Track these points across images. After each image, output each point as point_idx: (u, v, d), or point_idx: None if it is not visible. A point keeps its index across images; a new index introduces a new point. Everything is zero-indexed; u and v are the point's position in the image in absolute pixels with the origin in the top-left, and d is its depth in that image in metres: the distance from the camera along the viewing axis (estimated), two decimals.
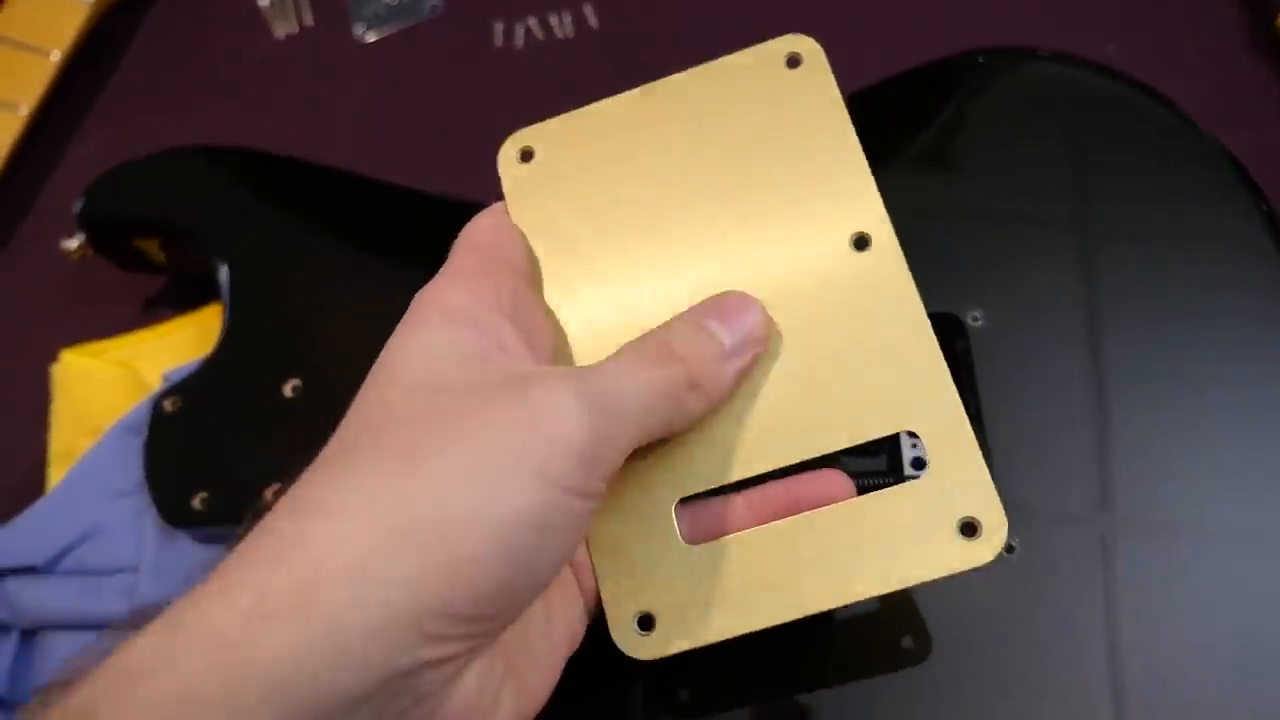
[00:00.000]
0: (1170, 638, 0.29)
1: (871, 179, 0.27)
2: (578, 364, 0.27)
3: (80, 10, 0.50)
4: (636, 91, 0.29)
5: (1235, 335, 0.32)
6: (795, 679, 0.29)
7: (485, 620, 0.20)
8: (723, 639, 0.25)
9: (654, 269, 0.27)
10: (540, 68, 0.49)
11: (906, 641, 0.29)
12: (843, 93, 0.38)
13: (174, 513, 0.36)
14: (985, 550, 0.24)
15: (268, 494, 0.35)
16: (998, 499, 0.24)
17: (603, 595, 0.26)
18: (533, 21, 0.50)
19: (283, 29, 0.52)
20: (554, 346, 0.27)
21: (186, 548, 0.37)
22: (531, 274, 0.28)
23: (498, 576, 0.20)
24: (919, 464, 0.25)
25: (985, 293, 0.33)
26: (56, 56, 0.50)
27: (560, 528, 0.21)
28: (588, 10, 0.49)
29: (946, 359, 0.33)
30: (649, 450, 0.26)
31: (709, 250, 0.27)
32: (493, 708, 0.22)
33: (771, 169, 0.28)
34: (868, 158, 0.35)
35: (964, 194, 0.35)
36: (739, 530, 0.26)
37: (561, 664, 0.25)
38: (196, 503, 0.36)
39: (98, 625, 0.37)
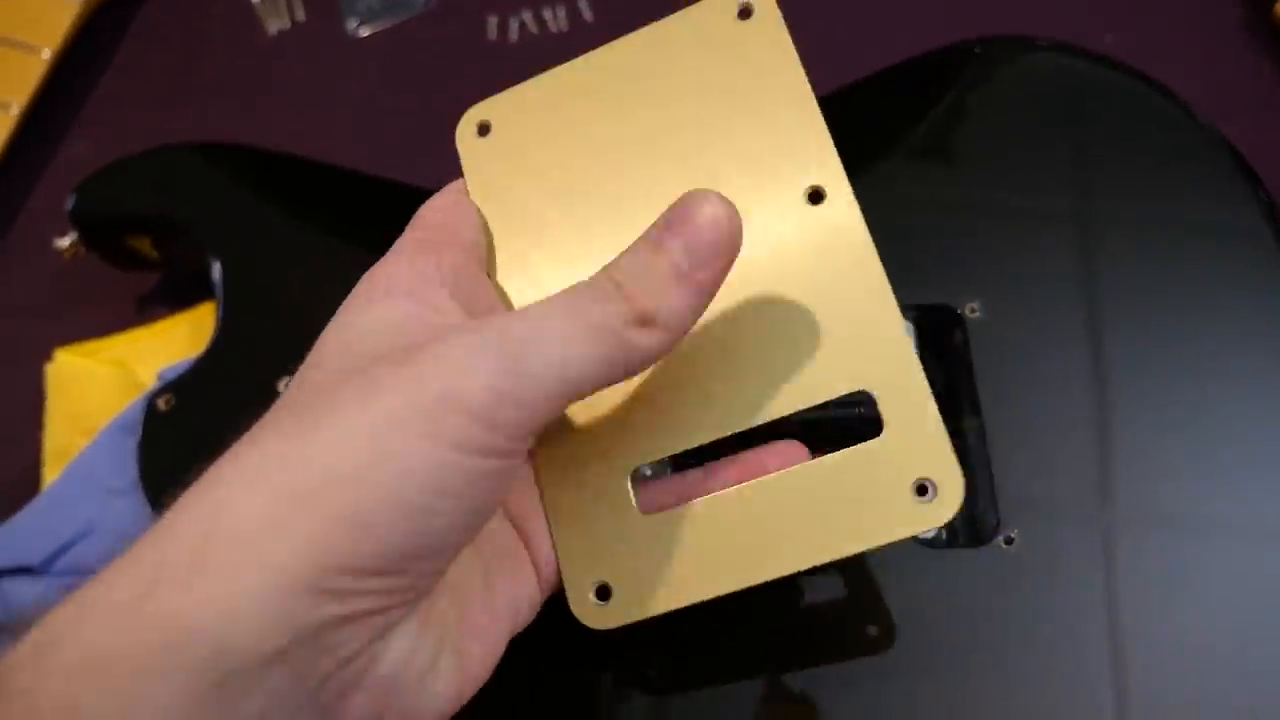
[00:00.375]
0: (1171, 633, 0.28)
1: (826, 132, 0.26)
2: None
3: (71, 7, 0.50)
4: (589, 56, 0.29)
5: (1235, 327, 0.32)
6: (770, 670, 0.29)
7: (391, 576, 0.20)
8: (679, 607, 0.25)
9: (608, 236, 0.27)
10: (534, 61, 0.48)
11: (900, 633, 0.29)
12: (840, 85, 0.39)
13: None
14: (941, 511, 0.24)
15: None
16: (954, 459, 0.24)
17: (561, 566, 0.26)
18: (527, 15, 0.49)
19: (275, 25, 0.52)
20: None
21: None
22: (484, 250, 0.28)
23: (396, 535, 0.20)
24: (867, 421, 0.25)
25: (983, 284, 0.33)
26: (47, 54, 0.49)
27: (461, 489, 0.20)
28: (582, 4, 0.49)
29: (944, 351, 0.33)
30: (604, 418, 0.26)
31: (653, 189, 0.27)
32: (428, 676, 0.22)
33: (725, 126, 0.27)
34: (865, 150, 0.35)
35: (961, 185, 0.35)
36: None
37: (505, 638, 0.25)
38: None
39: None
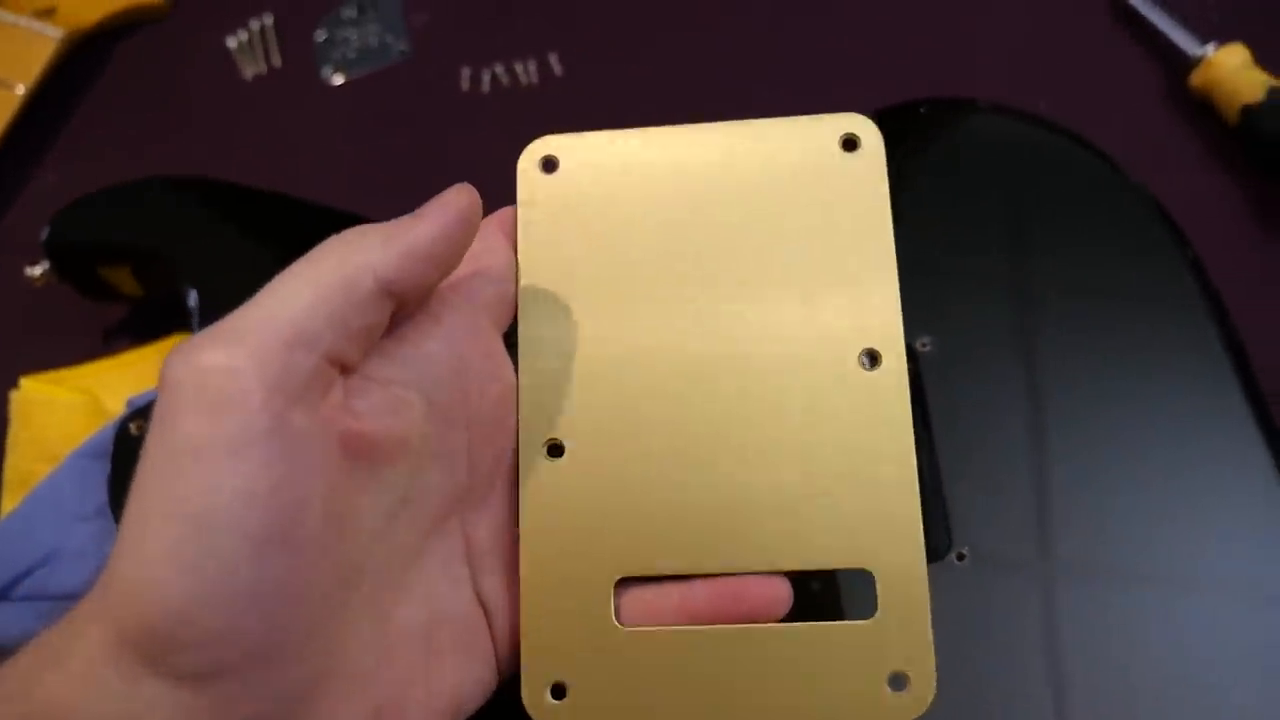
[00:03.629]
0: (1107, 665, 0.30)
1: (897, 294, 0.26)
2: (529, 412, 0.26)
3: (48, 44, 0.51)
4: (680, 129, 0.28)
5: (1163, 380, 0.34)
6: None
7: (226, 642, 0.20)
8: None
9: (644, 324, 0.26)
10: (506, 112, 0.51)
11: None
12: None
13: None
14: (910, 708, 0.24)
15: None
16: (933, 658, 0.24)
17: (523, 653, 0.25)
18: (499, 68, 0.52)
19: (251, 70, 0.53)
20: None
21: None
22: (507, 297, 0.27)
23: (207, 589, 0.20)
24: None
25: (934, 321, 0.35)
26: (22, 90, 0.50)
27: (242, 508, 0.20)
28: (553, 59, 0.52)
29: None
30: (601, 523, 0.25)
31: (707, 323, 0.26)
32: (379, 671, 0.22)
33: (797, 254, 0.26)
34: None
35: (909, 236, 0.37)
36: (672, 617, 0.25)
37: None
38: None
39: None
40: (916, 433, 0.33)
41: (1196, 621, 0.31)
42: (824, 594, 0.28)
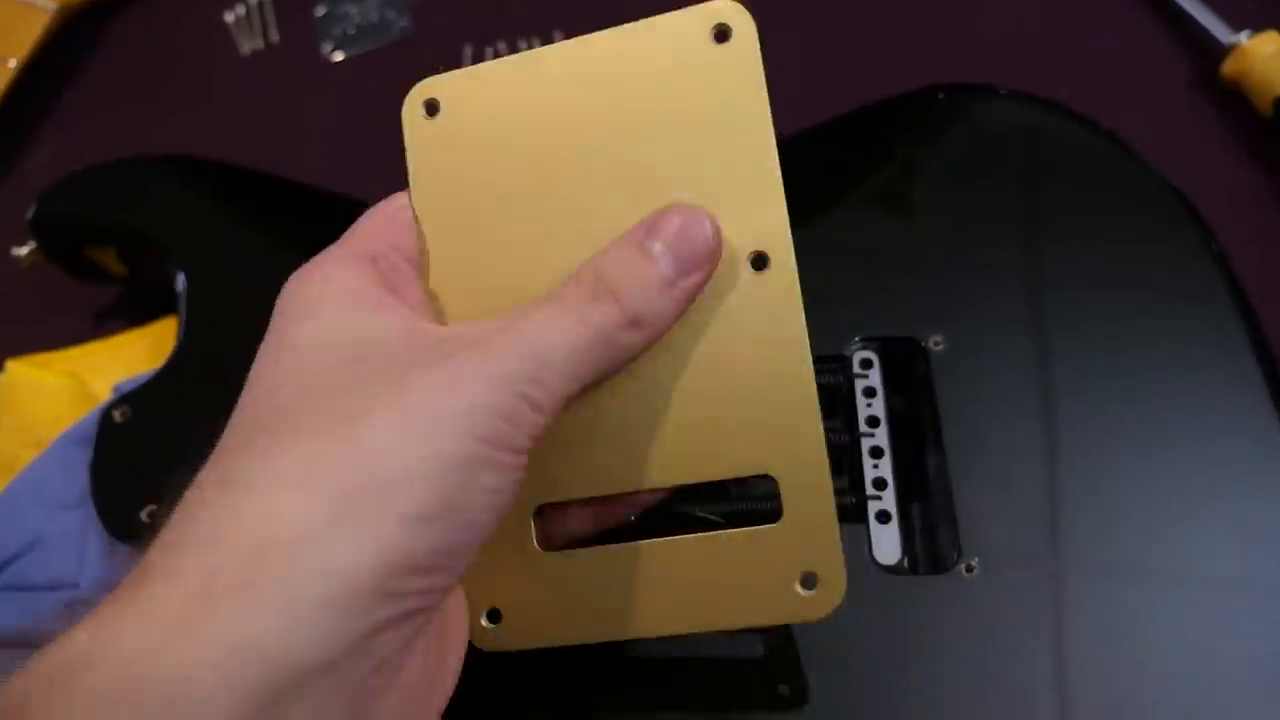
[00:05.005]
0: (1118, 671, 0.29)
1: (781, 190, 0.25)
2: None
3: (41, 17, 0.49)
4: (551, 48, 0.27)
5: (1185, 376, 0.33)
6: (725, 692, 0.29)
7: (439, 574, 0.21)
8: (561, 644, 0.26)
9: (543, 245, 0.26)
10: None
11: (860, 656, 0.29)
12: (806, 126, 0.39)
13: (120, 525, 0.35)
14: (821, 605, 0.24)
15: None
16: (841, 556, 0.24)
17: (464, 585, 0.26)
18: (502, 45, 0.50)
19: (249, 45, 0.52)
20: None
21: (130, 563, 0.36)
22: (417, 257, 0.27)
23: (448, 530, 0.20)
24: None
25: (946, 318, 0.34)
26: (14, 64, 0.49)
27: (495, 484, 0.21)
28: (557, 36, 0.50)
29: (908, 381, 0.34)
30: None
31: (598, 232, 0.25)
32: (435, 682, 0.23)
33: (681, 155, 0.26)
34: (833, 185, 0.35)
35: (924, 226, 0.36)
36: (586, 537, 0.26)
37: (460, 666, 0.25)
38: (144, 515, 0.35)
39: (36, 642, 0.35)
40: (926, 436, 0.33)
41: (1212, 625, 0.29)
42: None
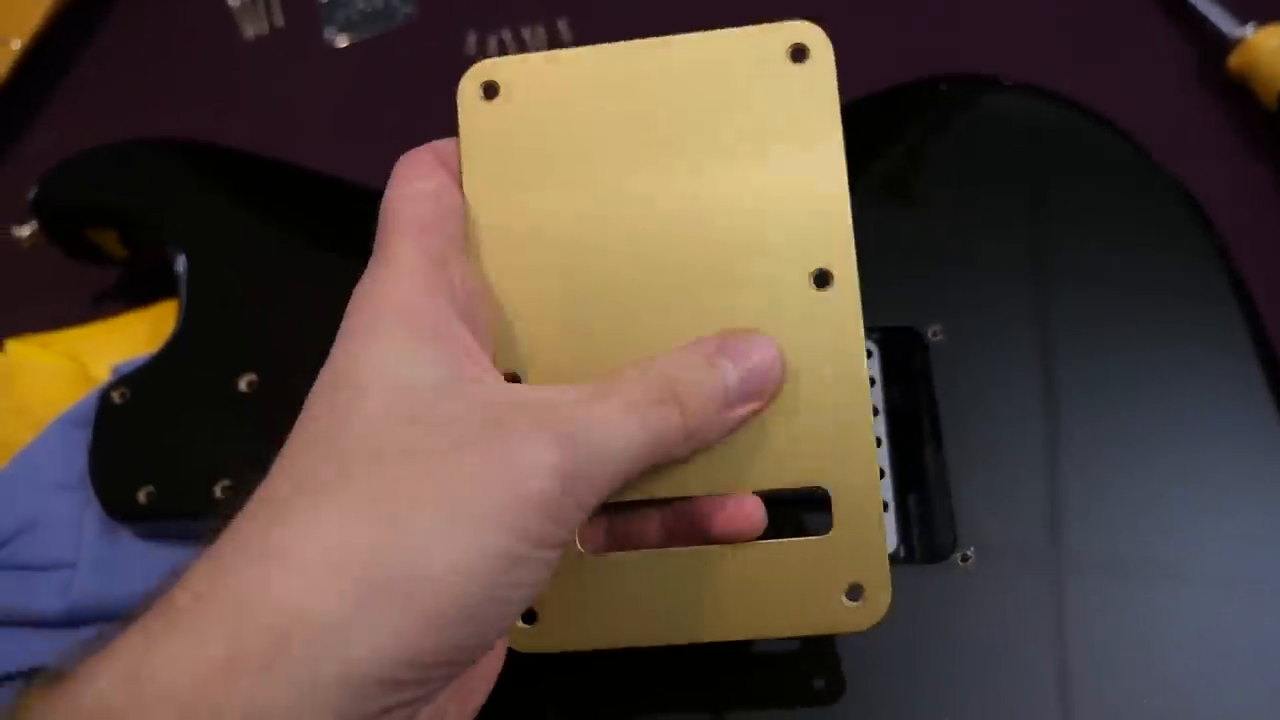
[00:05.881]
0: (1112, 667, 0.29)
1: (849, 210, 0.25)
2: (507, 355, 0.26)
3: (44, 0, 0.49)
4: (623, 45, 0.26)
5: (1188, 371, 0.33)
6: (724, 677, 0.29)
7: (450, 666, 0.20)
8: (598, 648, 0.26)
9: (596, 251, 0.26)
10: None
11: (856, 646, 0.29)
12: None
13: (117, 506, 0.35)
14: (866, 617, 0.25)
15: (215, 489, 0.34)
16: (888, 571, 0.25)
17: None
18: (506, 33, 0.50)
19: (253, 29, 0.52)
20: (485, 326, 0.26)
21: (127, 544, 0.36)
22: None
23: (468, 631, 0.20)
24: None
25: (946, 309, 0.34)
26: (17, 45, 0.49)
27: (527, 577, 0.21)
28: (561, 24, 0.50)
29: (905, 372, 0.34)
30: None
31: (660, 246, 0.26)
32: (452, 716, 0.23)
33: (748, 172, 0.26)
34: None
35: (923, 217, 0.36)
36: (654, 540, 0.26)
37: (497, 673, 0.25)
38: (141, 496, 0.35)
39: (32, 622, 0.35)
40: (924, 426, 0.32)
41: (1209, 619, 0.29)
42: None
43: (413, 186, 0.25)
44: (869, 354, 0.34)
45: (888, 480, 0.32)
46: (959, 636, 0.29)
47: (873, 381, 0.34)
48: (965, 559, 0.30)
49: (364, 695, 0.19)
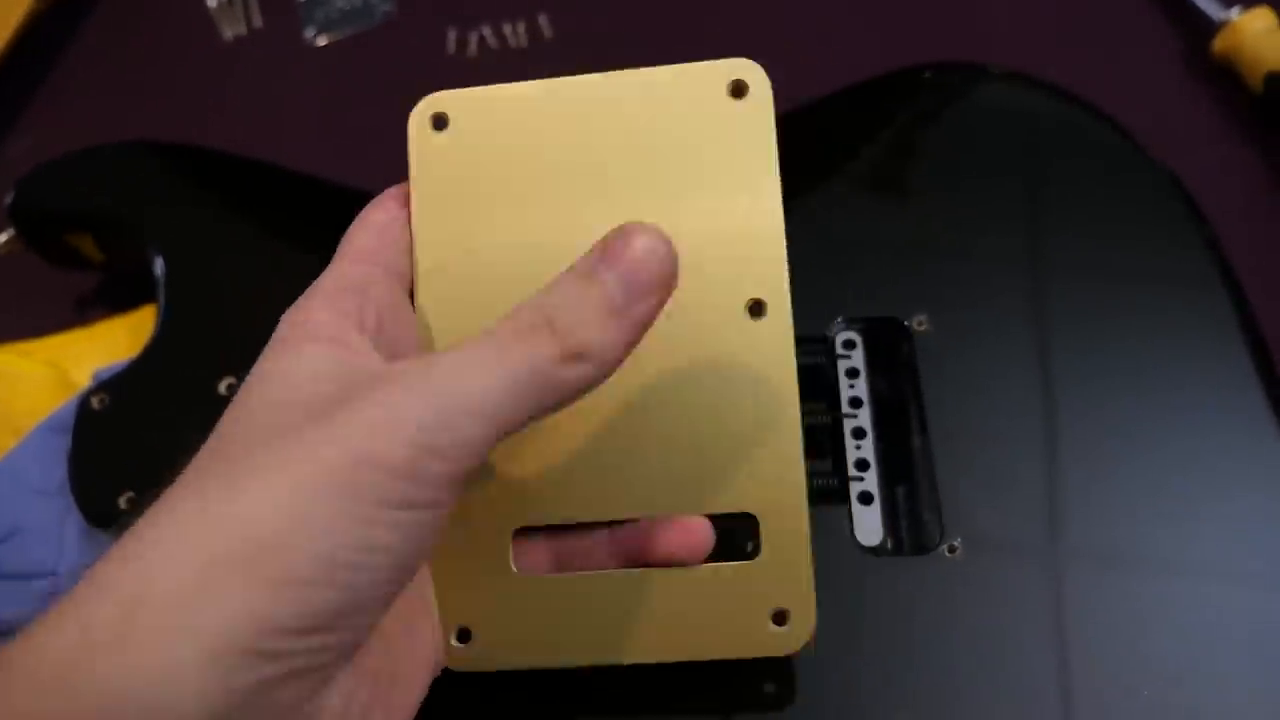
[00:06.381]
0: (1102, 657, 0.29)
1: (783, 243, 0.26)
2: None
3: (22, 3, 0.49)
4: (568, 80, 0.27)
5: (1174, 363, 0.32)
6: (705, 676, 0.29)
7: (323, 634, 0.20)
8: (531, 667, 0.26)
9: (538, 278, 0.25)
10: (493, 77, 0.48)
11: (842, 637, 0.29)
12: (793, 104, 0.39)
13: (98, 513, 0.34)
14: (790, 641, 0.25)
15: None
16: (813, 596, 0.25)
17: (436, 604, 0.26)
18: (486, 30, 0.50)
19: (231, 30, 0.51)
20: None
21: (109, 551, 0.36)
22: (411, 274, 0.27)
23: (324, 593, 0.19)
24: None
25: (931, 299, 0.33)
26: None
27: (389, 543, 0.20)
28: (543, 21, 0.49)
29: (890, 362, 0.33)
30: (498, 471, 0.26)
31: None
32: (378, 713, 0.23)
33: (685, 204, 0.26)
34: (817, 165, 0.34)
35: (911, 204, 0.36)
36: (599, 561, 0.26)
37: (426, 683, 0.25)
38: (123, 503, 0.34)
39: (13, 630, 0.35)
40: (909, 416, 0.32)
41: (1205, 611, 0.29)
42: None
43: (369, 216, 0.27)
44: (852, 345, 0.34)
45: (873, 472, 0.32)
46: (947, 628, 0.29)
47: (857, 373, 0.33)
48: (953, 550, 0.30)
49: (230, 666, 0.19)
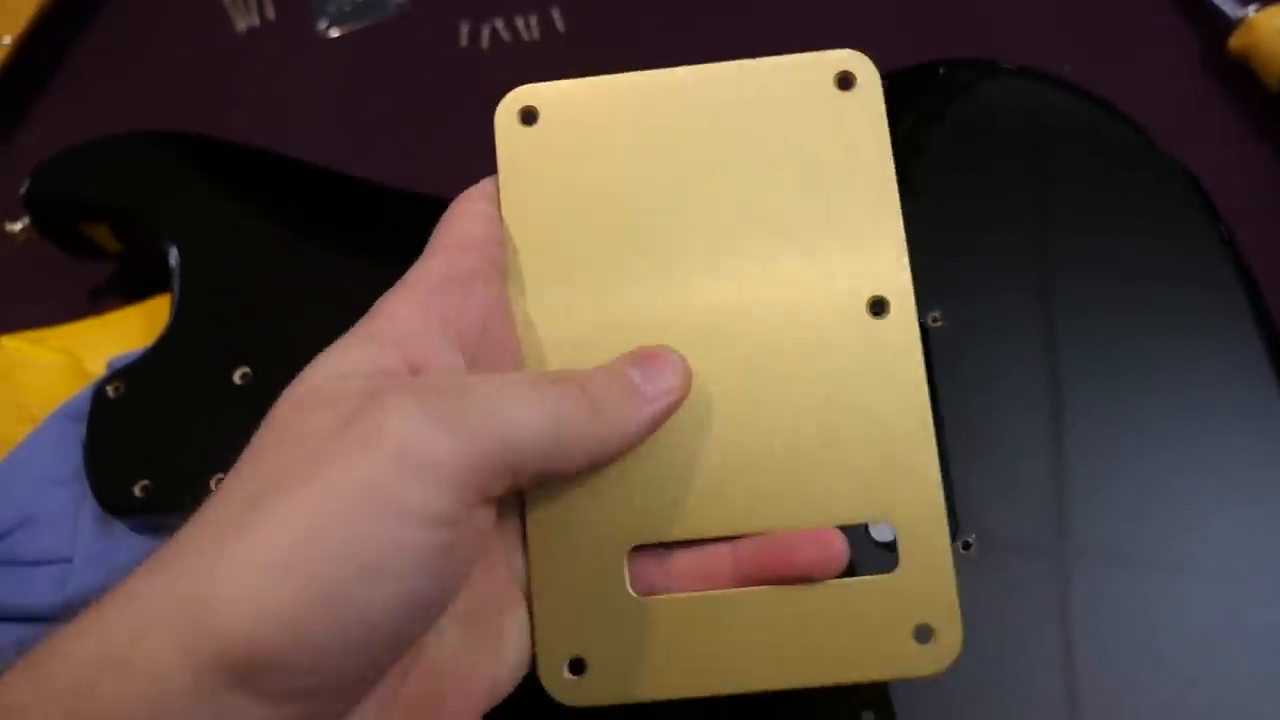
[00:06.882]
0: (1113, 654, 0.29)
1: (903, 237, 0.25)
2: None
3: None
4: (662, 72, 0.26)
5: (1189, 362, 0.32)
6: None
7: (312, 674, 0.19)
8: (654, 699, 0.24)
9: (638, 281, 0.25)
10: (506, 69, 0.49)
11: None
12: None
13: (113, 500, 0.35)
14: (936, 660, 0.23)
15: (211, 483, 0.34)
16: (958, 611, 0.23)
17: (535, 636, 0.24)
18: (499, 23, 0.50)
19: (243, 22, 0.51)
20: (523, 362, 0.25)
21: (123, 538, 0.36)
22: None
23: (334, 628, 0.19)
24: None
25: (946, 295, 0.33)
26: (8, 40, 0.48)
27: (409, 555, 0.19)
28: (555, 13, 0.49)
29: None
30: (607, 492, 0.24)
31: (708, 272, 0.25)
32: None
33: (796, 200, 0.25)
34: None
35: (922, 203, 0.36)
36: (726, 580, 0.24)
37: (479, 712, 0.23)
38: (137, 490, 0.34)
39: (28, 617, 0.35)
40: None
41: (1215, 609, 0.29)
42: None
43: (474, 205, 0.25)
44: None
45: None
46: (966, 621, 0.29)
47: None
48: (967, 546, 0.30)
49: (224, 704, 0.18)
